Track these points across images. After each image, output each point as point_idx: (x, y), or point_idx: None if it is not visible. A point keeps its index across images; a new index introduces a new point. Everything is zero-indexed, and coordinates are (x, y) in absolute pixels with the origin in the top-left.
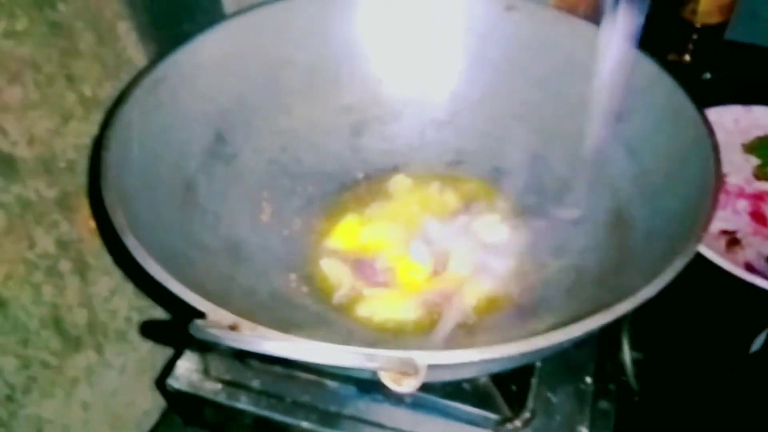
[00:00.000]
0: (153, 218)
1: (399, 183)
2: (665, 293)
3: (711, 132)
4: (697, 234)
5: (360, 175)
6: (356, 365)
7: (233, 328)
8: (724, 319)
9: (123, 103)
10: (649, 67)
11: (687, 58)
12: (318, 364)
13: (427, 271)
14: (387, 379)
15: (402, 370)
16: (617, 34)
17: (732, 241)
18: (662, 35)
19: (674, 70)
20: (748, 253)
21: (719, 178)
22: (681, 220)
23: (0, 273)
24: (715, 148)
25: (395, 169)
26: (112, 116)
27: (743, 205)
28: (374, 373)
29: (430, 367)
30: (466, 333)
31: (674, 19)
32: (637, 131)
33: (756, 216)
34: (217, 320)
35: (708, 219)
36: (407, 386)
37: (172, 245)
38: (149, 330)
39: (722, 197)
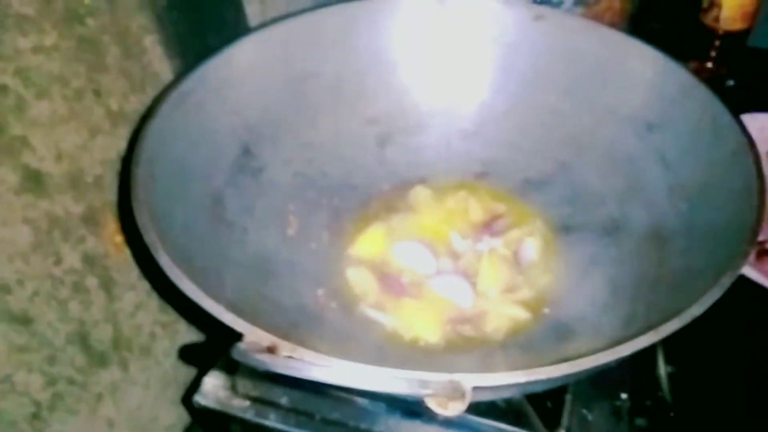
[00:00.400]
0: (183, 234)
1: (419, 194)
2: None
3: (751, 141)
4: (744, 249)
5: (386, 187)
6: (406, 392)
7: (271, 349)
8: (757, 331)
9: (152, 118)
10: (681, 76)
11: (709, 65)
12: (364, 390)
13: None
14: (433, 404)
15: (450, 394)
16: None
17: (762, 251)
18: (684, 42)
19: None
20: None
21: (763, 189)
22: (722, 233)
23: (27, 290)
24: (757, 158)
25: (422, 181)
26: (141, 131)
27: None
28: (421, 401)
29: (475, 389)
30: (501, 351)
31: (696, 25)
32: (671, 141)
33: None
34: (255, 341)
35: (755, 233)
36: (453, 410)
37: (202, 262)
38: (189, 354)
39: None
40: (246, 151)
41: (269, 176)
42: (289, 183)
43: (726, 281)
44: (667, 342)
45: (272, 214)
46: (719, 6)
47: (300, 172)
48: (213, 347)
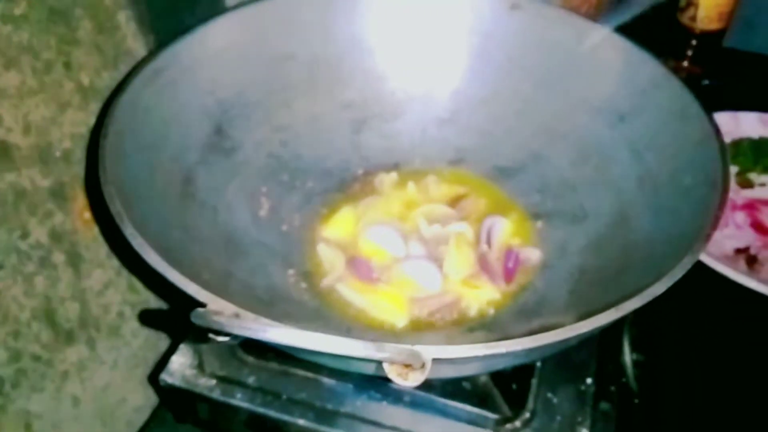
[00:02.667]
0: (151, 209)
1: (387, 179)
2: (667, 296)
3: (718, 131)
4: (705, 232)
5: (360, 172)
6: (365, 356)
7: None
8: (726, 323)
9: (122, 92)
10: (653, 68)
11: (685, 64)
12: (325, 354)
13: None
14: (393, 374)
15: (408, 362)
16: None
17: (750, 259)
18: (661, 41)
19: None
20: None
21: (726, 177)
22: (687, 220)
23: None
24: (723, 147)
25: (395, 167)
26: (111, 105)
27: (741, 217)
28: (380, 368)
29: (435, 361)
30: (466, 331)
31: (674, 24)
32: (642, 131)
33: (758, 227)
34: (218, 310)
35: (717, 218)
36: (413, 380)
37: (169, 237)
38: (147, 319)
39: None
40: (219, 131)
41: (242, 156)
42: (262, 164)
43: (687, 262)
44: (635, 330)
45: (244, 195)
46: (696, 5)
47: (273, 153)
48: (177, 317)
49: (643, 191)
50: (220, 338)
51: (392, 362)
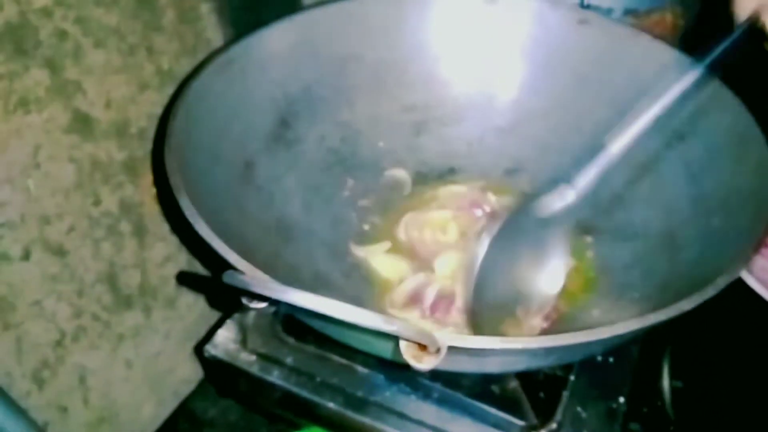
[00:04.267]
0: (210, 189)
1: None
2: (713, 324)
3: None
4: (746, 254)
5: (415, 174)
6: (375, 326)
7: None
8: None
9: (195, 78)
10: (717, 90)
11: None
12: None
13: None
14: (408, 354)
15: (423, 342)
16: (689, 56)
17: None
18: (740, 67)
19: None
20: None
21: None
22: (732, 244)
23: (65, 224)
24: None
25: (451, 172)
26: (183, 88)
27: None
28: (397, 351)
29: (453, 350)
30: None
31: (756, 52)
32: (700, 153)
33: None
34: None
35: (759, 242)
36: (426, 363)
37: (224, 215)
38: (184, 280)
39: None
40: (283, 122)
41: (302, 149)
42: (320, 158)
43: (720, 283)
44: (677, 357)
45: (300, 185)
46: None
47: (333, 148)
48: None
49: (695, 213)
50: (253, 304)
51: (406, 340)
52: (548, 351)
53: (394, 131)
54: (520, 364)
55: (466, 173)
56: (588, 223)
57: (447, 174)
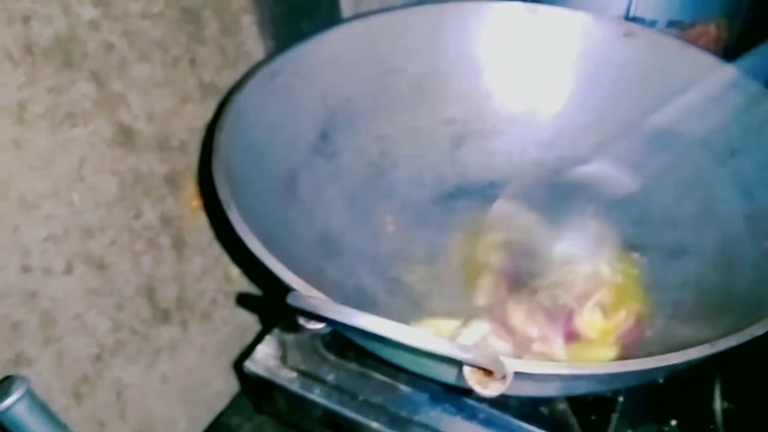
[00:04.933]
0: (255, 202)
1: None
2: (760, 342)
3: None
4: None
5: (455, 187)
6: (449, 354)
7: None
8: None
9: (239, 91)
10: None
11: None
12: (408, 353)
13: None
14: (473, 381)
15: (490, 368)
16: (739, 69)
17: None
18: None
19: None
20: None
21: None
22: None
23: (107, 237)
24: None
25: (491, 185)
26: (229, 101)
27: None
28: (460, 376)
29: (517, 375)
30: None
31: None
32: (753, 169)
33: None
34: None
35: None
36: (492, 390)
37: (270, 229)
38: (244, 302)
39: None
40: (324, 135)
41: (342, 162)
42: (361, 171)
43: None
44: (727, 378)
45: (341, 198)
46: None
47: (372, 162)
48: (268, 306)
49: (750, 231)
50: (310, 325)
51: (474, 366)
52: (614, 377)
53: (434, 144)
54: (584, 389)
55: (506, 187)
56: (635, 240)
57: (488, 188)
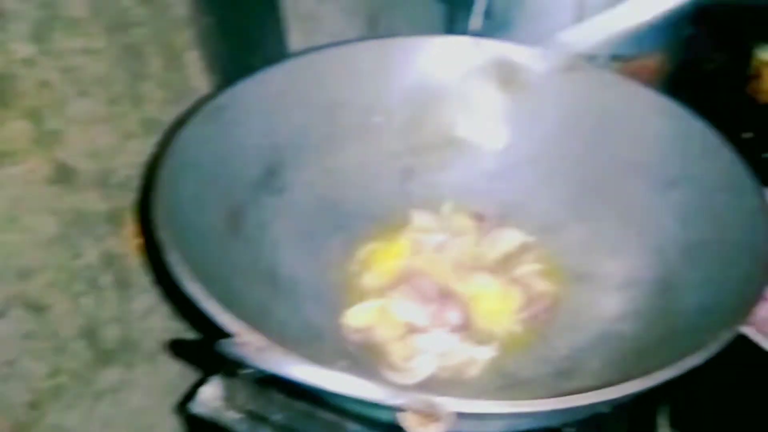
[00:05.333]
0: (197, 240)
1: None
2: (709, 371)
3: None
4: (744, 310)
5: (403, 219)
6: (381, 400)
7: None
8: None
9: (183, 127)
10: (707, 137)
11: (750, 135)
12: (339, 395)
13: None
14: (412, 423)
15: (427, 413)
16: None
17: None
18: (724, 110)
19: (736, 146)
20: None
21: None
22: (731, 294)
23: (44, 279)
24: None
25: None
26: (172, 137)
27: None
28: (401, 420)
29: (456, 415)
30: (497, 389)
31: (739, 96)
32: (691, 200)
33: None
34: (248, 342)
35: (757, 295)
36: (433, 430)
37: (212, 268)
38: (179, 348)
39: None
40: (271, 171)
41: (290, 197)
42: (310, 205)
43: (724, 337)
44: (672, 405)
45: (289, 233)
46: (759, 77)
47: (322, 196)
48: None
49: (689, 261)
50: (246, 371)
51: (410, 410)
52: (559, 412)
53: (383, 177)
54: (527, 425)
55: None
56: (579, 269)
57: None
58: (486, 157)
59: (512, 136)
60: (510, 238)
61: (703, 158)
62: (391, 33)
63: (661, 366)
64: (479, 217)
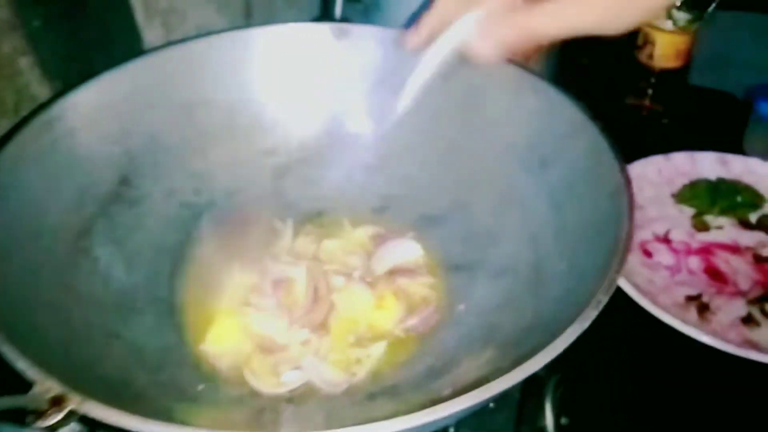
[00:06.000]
0: (24, 269)
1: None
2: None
3: (629, 184)
4: (596, 299)
5: (282, 220)
6: None
7: (59, 400)
8: (673, 377)
9: (6, 144)
10: (573, 113)
11: (647, 102)
12: None
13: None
14: None
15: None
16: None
17: (702, 307)
18: (623, 79)
19: (633, 115)
20: (721, 318)
21: (629, 237)
22: (594, 281)
23: None
24: (631, 201)
25: (320, 214)
26: None
27: (695, 263)
28: None
29: None
30: (367, 398)
31: (633, 63)
32: (561, 180)
33: (711, 273)
34: (43, 391)
35: (612, 283)
36: None
37: (43, 298)
38: None
39: (673, 258)
40: (124, 181)
41: (149, 207)
42: (171, 214)
43: (573, 331)
44: (562, 389)
45: (147, 248)
46: (653, 44)
47: (186, 202)
48: None
49: (558, 245)
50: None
51: None
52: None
53: (255, 177)
54: None
55: (334, 215)
56: (459, 260)
57: (315, 217)
58: (364, 149)
59: (386, 125)
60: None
61: (570, 135)
62: (268, 21)
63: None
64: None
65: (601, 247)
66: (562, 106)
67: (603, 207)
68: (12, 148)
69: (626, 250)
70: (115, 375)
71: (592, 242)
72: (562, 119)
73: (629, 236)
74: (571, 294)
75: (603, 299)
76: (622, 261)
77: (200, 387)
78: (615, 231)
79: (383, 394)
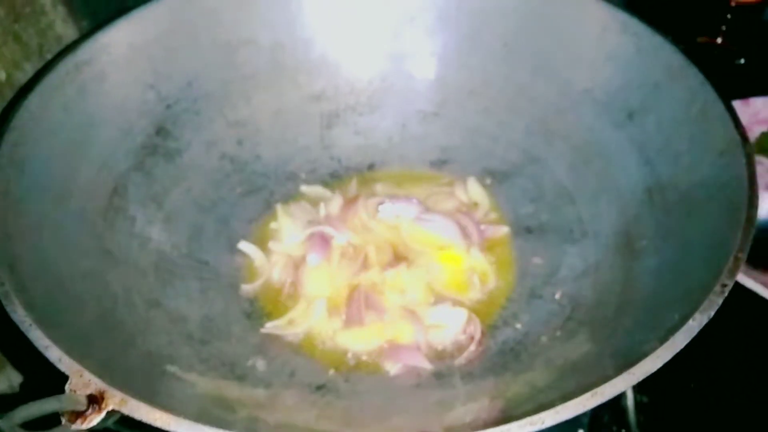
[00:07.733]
0: (55, 238)
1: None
2: None
3: (746, 140)
4: (721, 285)
5: (329, 175)
6: None
7: (97, 397)
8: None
9: (28, 95)
10: (669, 55)
11: (719, 41)
12: None
13: None
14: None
15: None
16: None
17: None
18: (693, 15)
19: (704, 54)
20: None
21: (754, 200)
22: (702, 256)
23: None
24: (750, 161)
25: (371, 168)
26: (12, 110)
27: None
28: None
29: None
30: (438, 380)
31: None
32: (653, 133)
33: None
34: (79, 387)
35: (737, 263)
36: None
37: (79, 264)
38: None
39: None
40: (161, 131)
41: (188, 159)
42: (212, 167)
43: (694, 325)
44: None
45: (187, 205)
46: None
47: (228, 154)
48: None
49: (652, 208)
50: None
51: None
52: None
53: (302, 126)
54: None
55: (387, 168)
56: (530, 221)
57: (366, 171)
58: (419, 94)
59: (447, 67)
60: None
61: (665, 82)
62: None
63: (616, 359)
64: None
65: (713, 216)
66: (652, 46)
67: (711, 167)
68: (36, 96)
69: (751, 222)
70: (156, 352)
71: (700, 209)
72: (653, 62)
73: (753, 205)
74: (675, 271)
75: (728, 283)
76: (748, 236)
77: (250, 362)
78: (732, 197)
79: (451, 374)
